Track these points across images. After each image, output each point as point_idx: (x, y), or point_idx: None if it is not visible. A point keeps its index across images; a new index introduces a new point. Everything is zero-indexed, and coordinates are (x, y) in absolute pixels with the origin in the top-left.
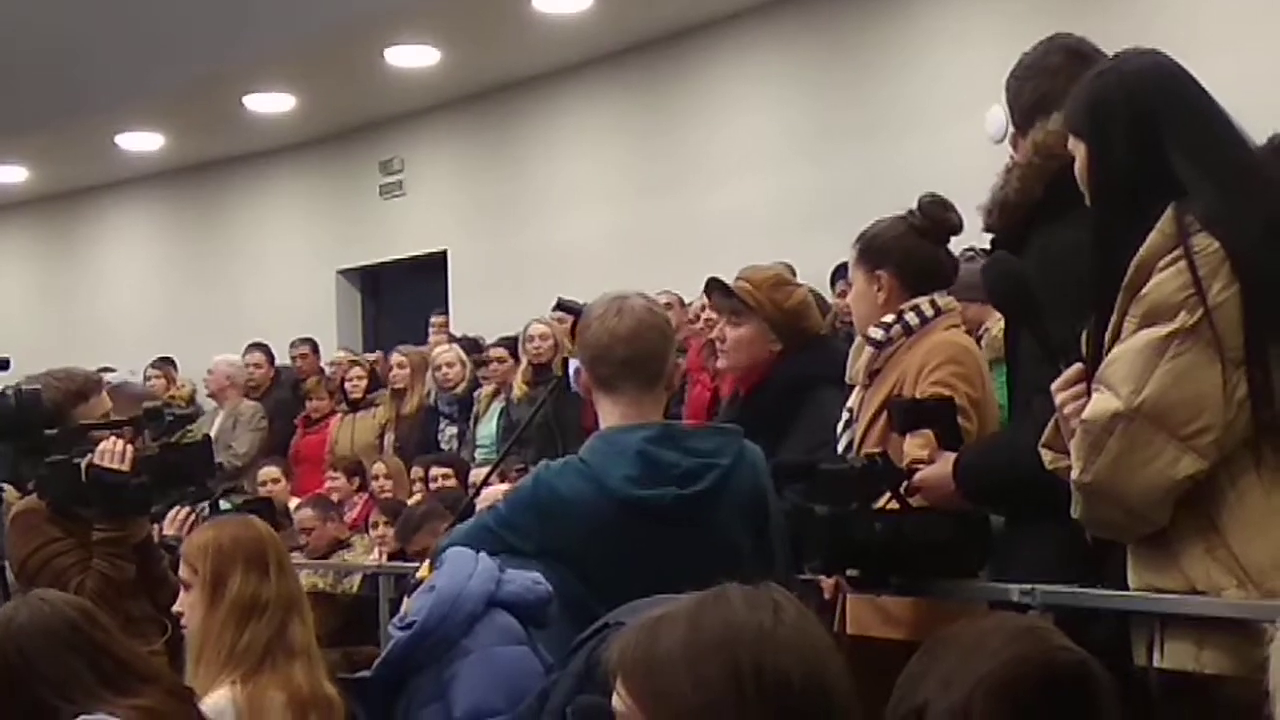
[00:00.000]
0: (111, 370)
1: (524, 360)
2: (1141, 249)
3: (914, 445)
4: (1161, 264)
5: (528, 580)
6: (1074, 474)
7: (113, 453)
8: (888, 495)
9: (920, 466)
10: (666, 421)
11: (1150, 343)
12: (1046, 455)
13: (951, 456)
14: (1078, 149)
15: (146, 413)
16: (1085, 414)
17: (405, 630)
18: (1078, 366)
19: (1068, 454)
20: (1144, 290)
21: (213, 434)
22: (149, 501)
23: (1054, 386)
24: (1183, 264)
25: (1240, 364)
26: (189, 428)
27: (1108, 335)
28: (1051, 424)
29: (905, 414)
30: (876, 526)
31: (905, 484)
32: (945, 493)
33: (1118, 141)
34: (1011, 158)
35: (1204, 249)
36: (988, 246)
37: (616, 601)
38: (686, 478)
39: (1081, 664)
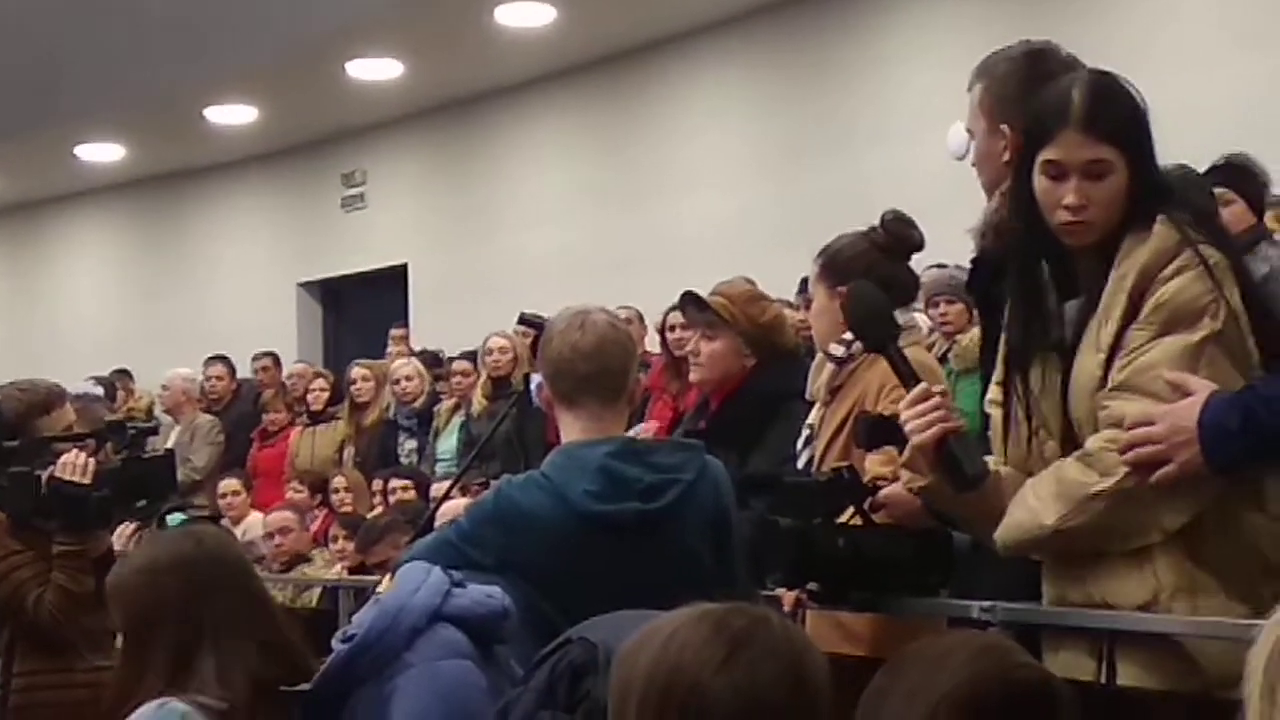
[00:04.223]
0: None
1: (483, 374)
2: (1140, 256)
3: (876, 462)
4: (1168, 271)
5: (480, 594)
6: (1107, 481)
7: (74, 465)
8: (851, 510)
9: (884, 483)
10: (628, 436)
11: (1186, 349)
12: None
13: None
14: (1092, 150)
15: (109, 425)
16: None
17: (346, 643)
18: (923, 386)
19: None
20: (1159, 296)
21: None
22: (110, 515)
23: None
24: (1200, 270)
25: (1252, 368)
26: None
27: (1102, 338)
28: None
29: (871, 429)
30: (839, 541)
31: (869, 500)
32: (909, 510)
33: (1150, 153)
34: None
35: (1210, 257)
36: (968, 265)
37: (578, 616)
38: (649, 493)
39: (1044, 681)
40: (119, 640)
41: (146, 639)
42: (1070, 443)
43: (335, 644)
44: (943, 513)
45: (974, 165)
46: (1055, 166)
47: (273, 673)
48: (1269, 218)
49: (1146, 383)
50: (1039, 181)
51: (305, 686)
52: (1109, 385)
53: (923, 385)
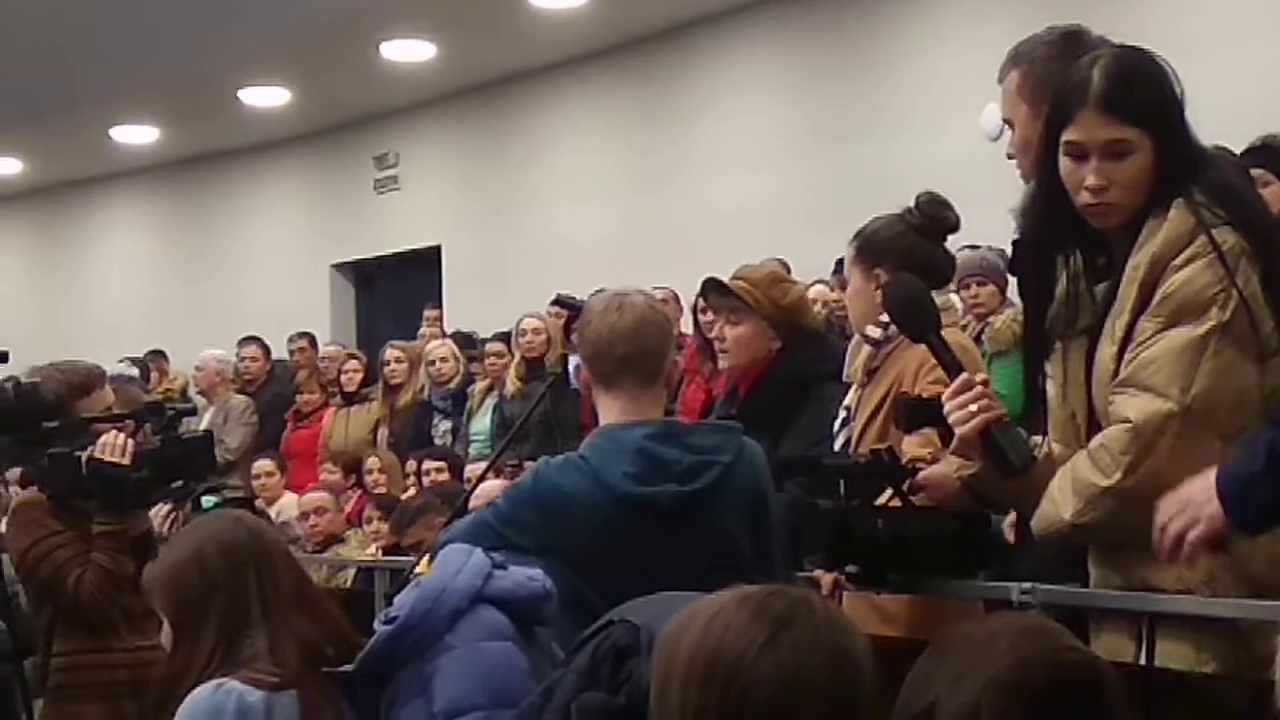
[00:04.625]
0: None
1: (517, 355)
2: (1154, 244)
3: (915, 444)
4: (1179, 260)
5: (522, 576)
6: (1108, 479)
7: (114, 446)
8: (890, 492)
9: (923, 465)
10: (667, 419)
11: (1190, 342)
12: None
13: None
14: (1112, 130)
15: (148, 406)
16: (1133, 417)
17: (389, 625)
18: (964, 376)
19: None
20: (1168, 287)
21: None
22: (149, 496)
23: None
24: (1210, 258)
25: (1271, 355)
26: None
27: (1116, 328)
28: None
29: (912, 412)
30: (878, 523)
31: (908, 482)
32: (948, 491)
33: (1179, 131)
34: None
35: (1225, 242)
36: (1011, 245)
37: (616, 598)
38: (687, 475)
39: (1090, 664)
40: (165, 629)
41: (197, 622)
42: (1095, 429)
43: (378, 625)
44: (992, 498)
45: (1010, 155)
46: (1076, 147)
47: (321, 642)
48: None
49: (1146, 378)
50: (1062, 163)
51: (348, 668)
52: (1117, 379)
53: (964, 375)
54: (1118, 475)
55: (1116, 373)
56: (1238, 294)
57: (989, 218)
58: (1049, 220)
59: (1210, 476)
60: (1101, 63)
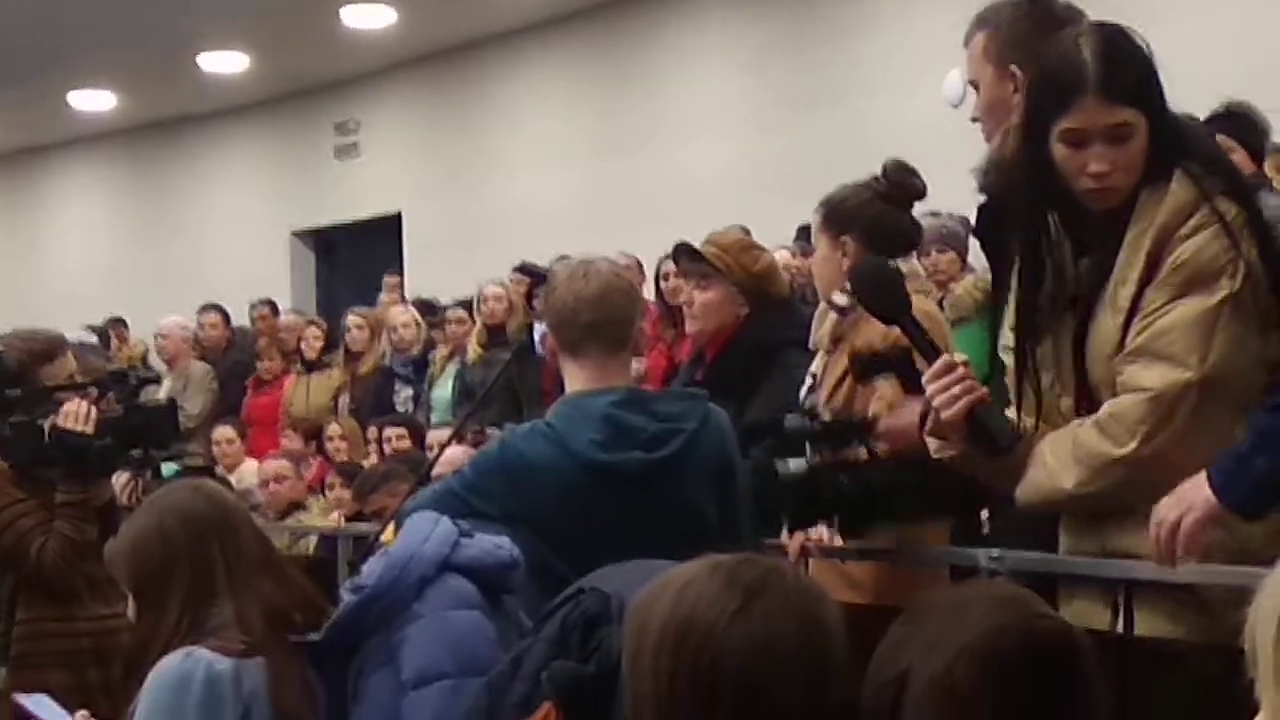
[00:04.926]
0: None
1: (478, 322)
2: (1159, 215)
3: (875, 402)
4: (1185, 230)
5: (489, 544)
6: (1122, 448)
7: (76, 414)
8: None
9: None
10: (632, 386)
11: (1204, 312)
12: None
13: (915, 405)
14: (1113, 114)
15: (111, 374)
16: (1152, 386)
17: (356, 594)
18: (945, 359)
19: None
20: (1177, 257)
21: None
22: (112, 464)
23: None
24: (1216, 228)
25: (1273, 327)
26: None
27: (1120, 298)
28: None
29: (866, 364)
30: (844, 480)
31: (868, 434)
32: (910, 440)
33: (1164, 106)
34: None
35: (1227, 212)
36: (975, 208)
37: (582, 565)
38: (653, 442)
39: (1064, 633)
40: (130, 601)
41: (161, 593)
42: (1086, 401)
43: (344, 594)
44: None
45: (975, 119)
46: (1076, 134)
47: (288, 608)
48: (1269, 166)
49: (1163, 347)
50: (1058, 150)
51: (315, 637)
52: (1126, 349)
53: (945, 358)
54: (1133, 444)
55: (1121, 343)
56: (1244, 264)
57: (951, 184)
58: (1035, 200)
59: (1200, 474)
60: (1091, 45)
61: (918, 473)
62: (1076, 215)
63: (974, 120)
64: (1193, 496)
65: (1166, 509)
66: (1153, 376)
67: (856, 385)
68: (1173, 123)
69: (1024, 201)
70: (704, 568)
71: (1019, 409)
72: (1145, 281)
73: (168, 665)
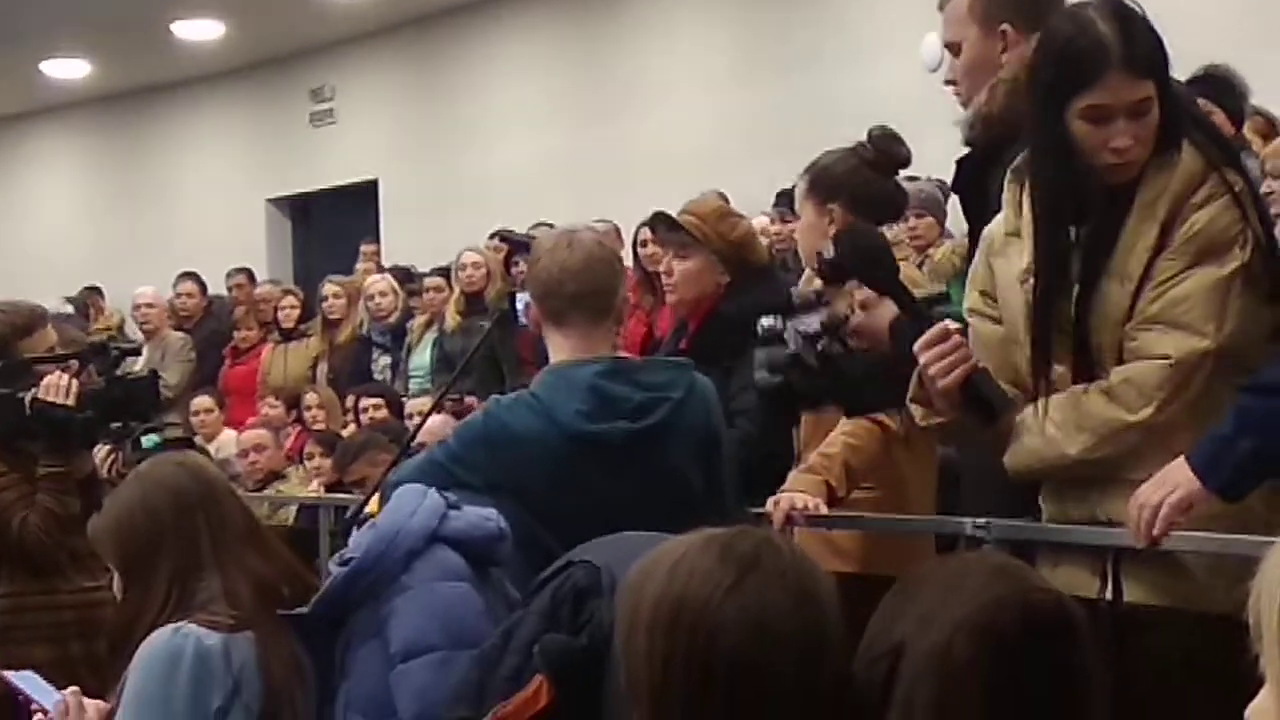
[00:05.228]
0: None
1: (456, 289)
2: (1173, 183)
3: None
4: (1197, 199)
5: (477, 517)
6: (1135, 415)
7: (58, 387)
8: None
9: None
10: (618, 355)
11: (1219, 281)
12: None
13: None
14: (1137, 89)
15: (92, 346)
16: (1171, 353)
17: (344, 567)
18: (940, 326)
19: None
20: (1190, 227)
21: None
22: (94, 437)
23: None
24: (1227, 199)
25: (1271, 299)
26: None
27: (1130, 267)
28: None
29: (833, 268)
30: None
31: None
32: (881, 339)
33: (1170, 77)
34: (951, 85)
35: (1235, 183)
36: (956, 161)
37: (568, 535)
38: (638, 412)
39: (1061, 606)
40: (116, 577)
41: (148, 569)
42: (1086, 368)
43: (332, 568)
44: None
45: (949, 81)
46: (1100, 110)
47: (275, 581)
48: (1247, 129)
49: (1179, 315)
50: (1079, 126)
51: (303, 610)
52: (1138, 317)
53: (939, 326)
54: (1148, 411)
55: (1131, 310)
56: (1252, 234)
57: (929, 149)
58: (1057, 180)
59: (1180, 459)
60: (1108, 20)
61: (885, 366)
62: (1085, 187)
63: (948, 83)
64: (1175, 478)
65: (1148, 492)
66: (1170, 344)
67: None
68: (1175, 93)
69: (1045, 184)
70: (697, 542)
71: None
72: (1157, 250)
73: (157, 641)
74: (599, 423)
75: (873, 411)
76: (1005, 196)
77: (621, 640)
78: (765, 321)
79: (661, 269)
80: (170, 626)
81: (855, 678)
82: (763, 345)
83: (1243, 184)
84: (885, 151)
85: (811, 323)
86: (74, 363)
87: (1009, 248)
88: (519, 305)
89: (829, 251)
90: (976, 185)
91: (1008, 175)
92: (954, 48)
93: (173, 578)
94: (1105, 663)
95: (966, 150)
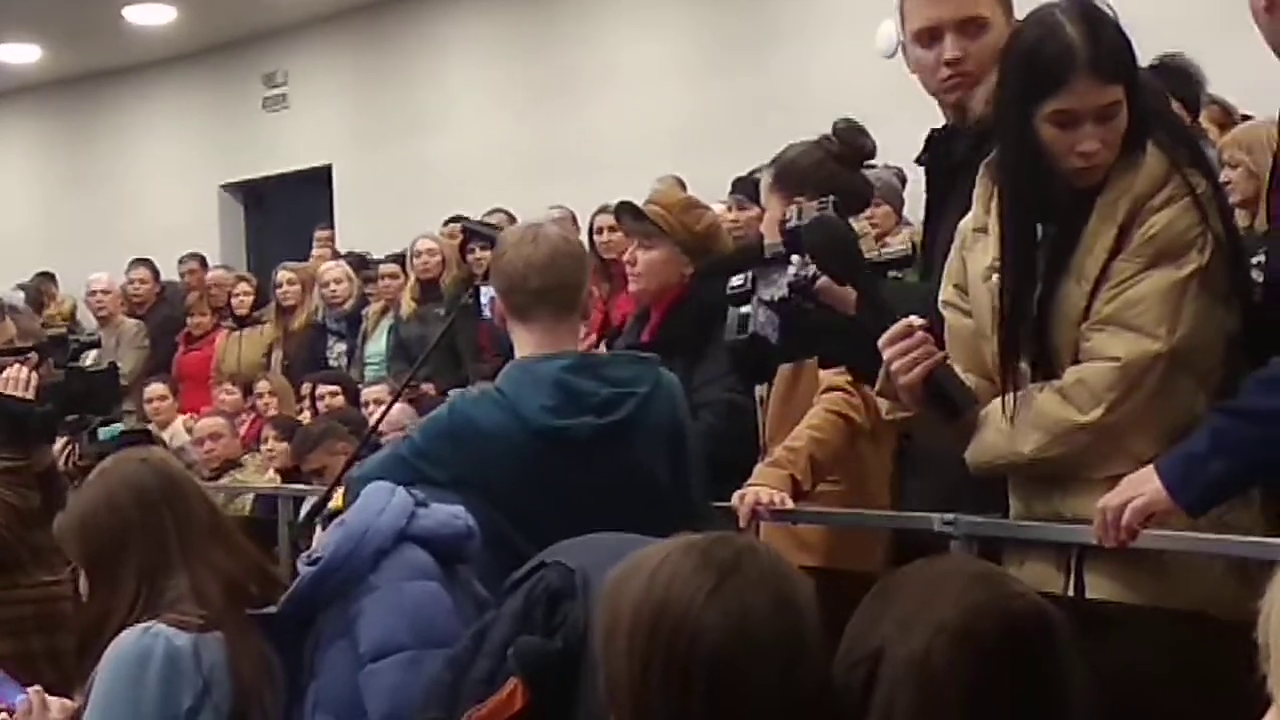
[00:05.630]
0: None
1: (411, 276)
2: (1134, 186)
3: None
4: (1157, 201)
5: (445, 515)
6: (1086, 415)
7: (17, 380)
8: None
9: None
10: (583, 350)
11: (1174, 284)
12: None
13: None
14: (1105, 93)
15: (51, 339)
16: (1121, 355)
17: (312, 566)
18: (903, 322)
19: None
20: (1148, 229)
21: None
22: (54, 430)
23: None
24: (1187, 201)
25: (1228, 301)
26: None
27: (1087, 267)
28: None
29: (794, 235)
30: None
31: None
32: (848, 300)
33: (1139, 77)
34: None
35: (1198, 185)
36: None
37: (535, 531)
38: (604, 407)
39: (1041, 611)
40: (83, 577)
41: (114, 569)
42: (1046, 366)
43: (300, 567)
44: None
45: (948, 63)
46: (1067, 115)
47: (242, 579)
48: (1203, 118)
49: (1132, 317)
50: (1046, 130)
51: (272, 609)
52: (1093, 317)
53: (903, 322)
54: (1098, 412)
55: (1088, 310)
56: (1212, 237)
57: (886, 137)
58: (1024, 184)
59: (1148, 467)
60: (1076, 23)
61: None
62: (1051, 188)
63: (950, 67)
64: (1142, 486)
65: (1113, 495)
66: (1121, 345)
67: None
68: (1143, 92)
69: (1012, 184)
70: (677, 547)
71: (956, 358)
72: (1114, 251)
73: (126, 641)
74: (565, 418)
75: (848, 362)
76: (977, 192)
77: (601, 645)
78: (735, 280)
79: (626, 258)
80: (140, 626)
81: (835, 682)
82: (734, 304)
83: (1205, 185)
84: (850, 144)
85: (780, 286)
86: (33, 355)
87: (977, 244)
88: (484, 299)
89: (793, 219)
90: (943, 157)
91: (980, 170)
92: (969, 24)
93: (141, 576)
94: (1085, 668)
95: (941, 126)
